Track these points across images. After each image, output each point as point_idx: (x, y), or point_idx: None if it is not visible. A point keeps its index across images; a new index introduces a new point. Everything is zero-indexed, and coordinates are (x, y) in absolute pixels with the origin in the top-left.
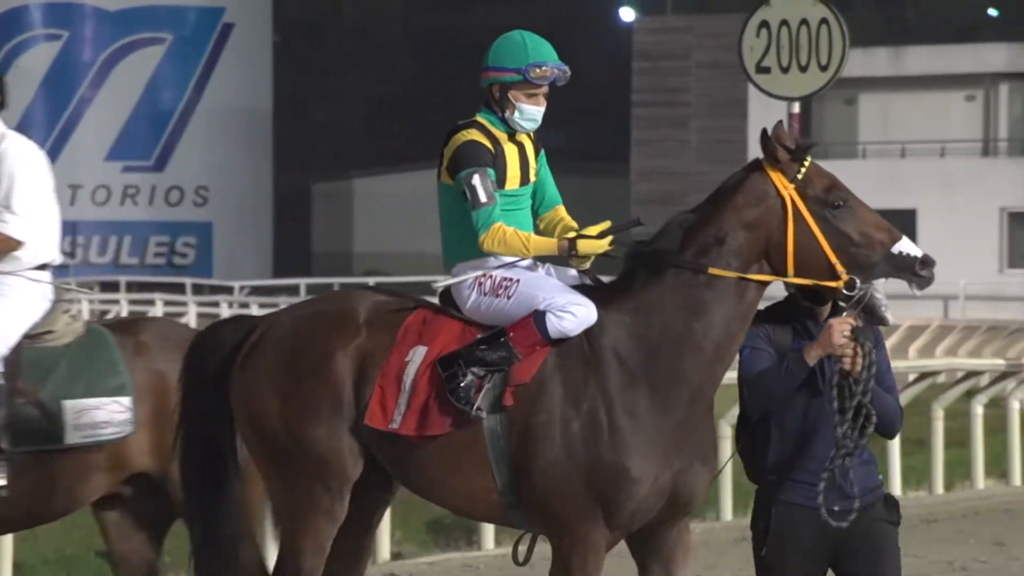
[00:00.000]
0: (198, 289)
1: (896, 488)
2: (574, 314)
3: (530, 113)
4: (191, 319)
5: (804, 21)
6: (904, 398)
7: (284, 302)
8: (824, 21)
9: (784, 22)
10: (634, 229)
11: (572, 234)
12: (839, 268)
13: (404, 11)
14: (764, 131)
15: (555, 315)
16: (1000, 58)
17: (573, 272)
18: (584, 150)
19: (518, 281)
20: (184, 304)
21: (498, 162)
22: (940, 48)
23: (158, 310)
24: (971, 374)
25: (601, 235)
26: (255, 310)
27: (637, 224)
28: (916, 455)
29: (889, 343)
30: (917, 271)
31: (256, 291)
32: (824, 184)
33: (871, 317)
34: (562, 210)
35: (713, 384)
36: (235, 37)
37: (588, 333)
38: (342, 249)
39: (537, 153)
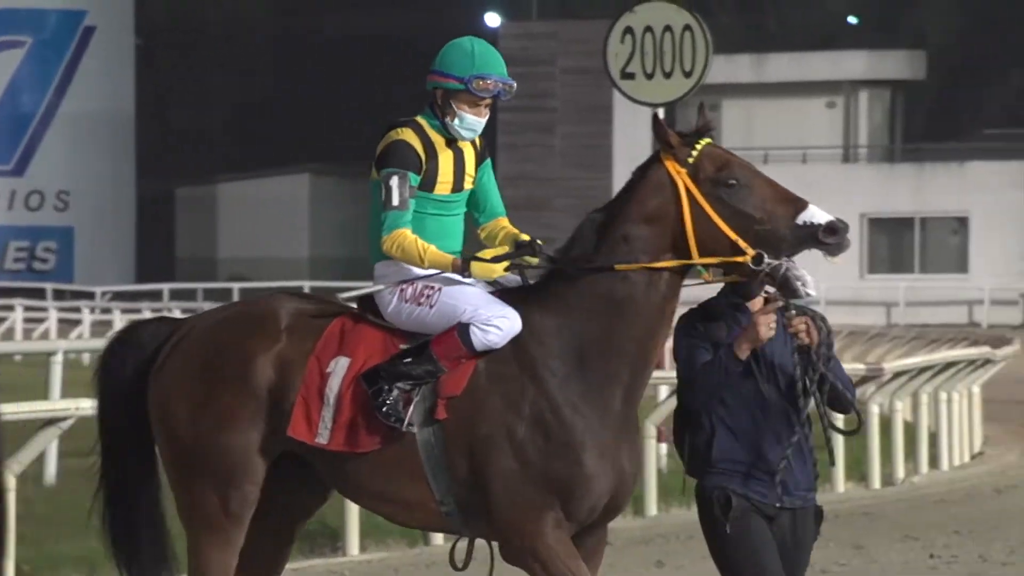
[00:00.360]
0: (59, 295)
1: None
2: (499, 327)
3: (471, 123)
4: (51, 325)
5: (668, 28)
6: None
7: (147, 308)
8: (688, 28)
9: (648, 29)
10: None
11: (482, 253)
12: (742, 244)
13: (267, 16)
14: (655, 116)
15: (479, 328)
16: (860, 65)
17: (514, 277)
18: None
19: (440, 290)
20: (45, 310)
21: (428, 166)
22: (801, 55)
23: (18, 316)
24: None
25: (496, 259)
26: (117, 316)
27: (532, 252)
28: None
29: None
30: (821, 238)
31: (118, 296)
32: (716, 164)
33: (787, 291)
34: (505, 220)
35: (642, 382)
36: (96, 40)
37: (518, 339)
38: (206, 254)
39: (481, 161)
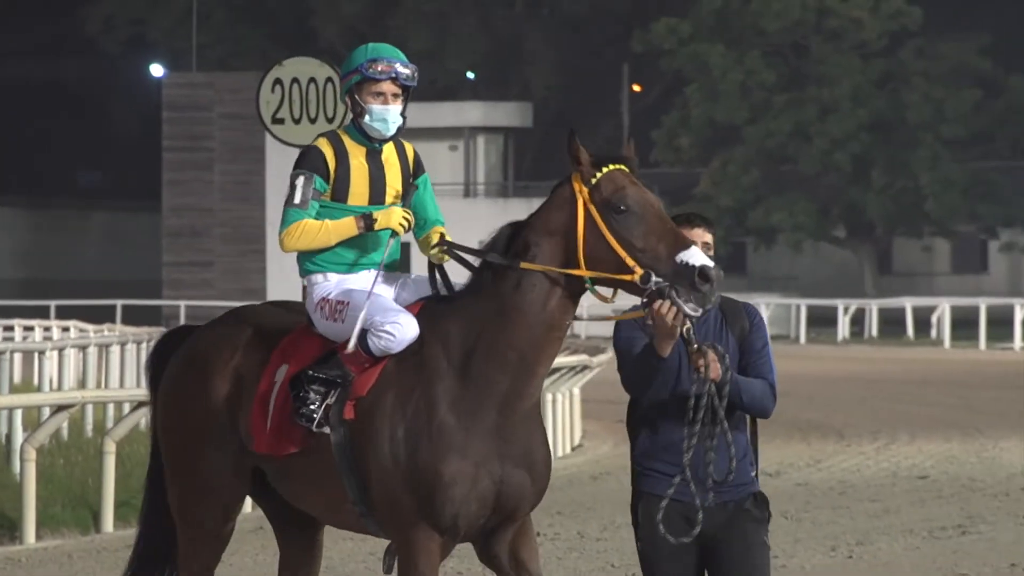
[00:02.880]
0: None
1: None
2: (392, 333)
3: (378, 113)
4: None
5: (312, 80)
6: None
7: None
8: (329, 79)
9: (295, 80)
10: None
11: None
12: (630, 263)
13: None
14: (571, 133)
15: (374, 335)
16: (477, 114)
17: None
18: (122, 189)
19: (348, 304)
20: None
21: (338, 173)
22: (428, 105)
23: None
24: None
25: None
26: None
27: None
28: None
29: None
30: (696, 282)
31: None
32: (611, 188)
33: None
34: (441, 229)
35: (525, 393)
36: None
37: (424, 342)
38: None
39: (415, 176)
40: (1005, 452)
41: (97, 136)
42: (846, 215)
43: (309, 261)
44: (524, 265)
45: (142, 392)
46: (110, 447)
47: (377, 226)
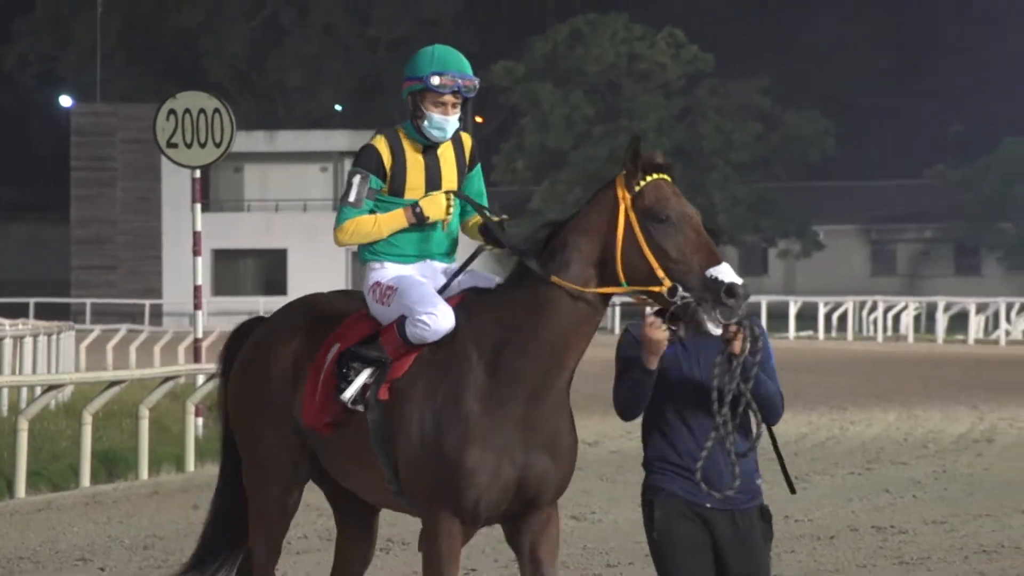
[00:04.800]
0: None
1: None
2: (426, 323)
3: (438, 122)
4: None
5: (202, 110)
6: None
7: None
8: (217, 111)
9: (187, 110)
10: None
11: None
12: (660, 274)
13: None
14: (635, 139)
15: (412, 323)
16: (344, 140)
17: (491, 276)
18: (36, 203)
19: (396, 289)
20: None
21: (395, 171)
22: (302, 132)
23: None
24: None
25: (450, 194)
26: None
27: (498, 225)
28: None
29: None
30: (723, 297)
31: None
32: (654, 198)
33: (693, 324)
34: (486, 213)
35: (552, 384)
36: None
37: (459, 332)
38: None
39: (470, 168)
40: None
41: (14, 157)
42: None
43: (367, 251)
44: (555, 280)
45: (52, 377)
46: (23, 425)
47: (427, 217)
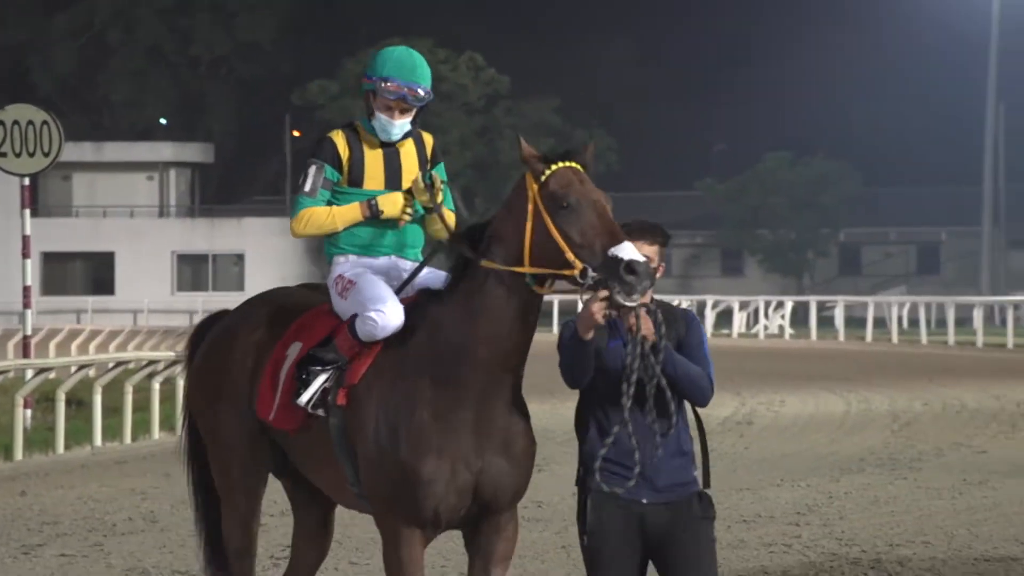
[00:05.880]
0: None
1: (98, 439)
2: (375, 320)
3: (383, 123)
4: None
5: (31, 122)
6: (105, 382)
7: None
8: (45, 122)
9: (16, 122)
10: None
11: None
12: (570, 257)
13: None
14: (517, 137)
15: (361, 319)
16: (170, 152)
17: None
18: None
19: (355, 284)
20: None
21: (352, 163)
22: (129, 144)
23: None
24: (151, 362)
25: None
26: None
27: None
28: (114, 417)
29: (98, 342)
30: (621, 274)
31: None
32: (559, 184)
33: (611, 302)
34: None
35: (499, 386)
36: None
37: (412, 334)
38: None
39: (432, 164)
40: None
41: None
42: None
43: (331, 244)
44: (484, 263)
45: None
46: None
47: (381, 212)
